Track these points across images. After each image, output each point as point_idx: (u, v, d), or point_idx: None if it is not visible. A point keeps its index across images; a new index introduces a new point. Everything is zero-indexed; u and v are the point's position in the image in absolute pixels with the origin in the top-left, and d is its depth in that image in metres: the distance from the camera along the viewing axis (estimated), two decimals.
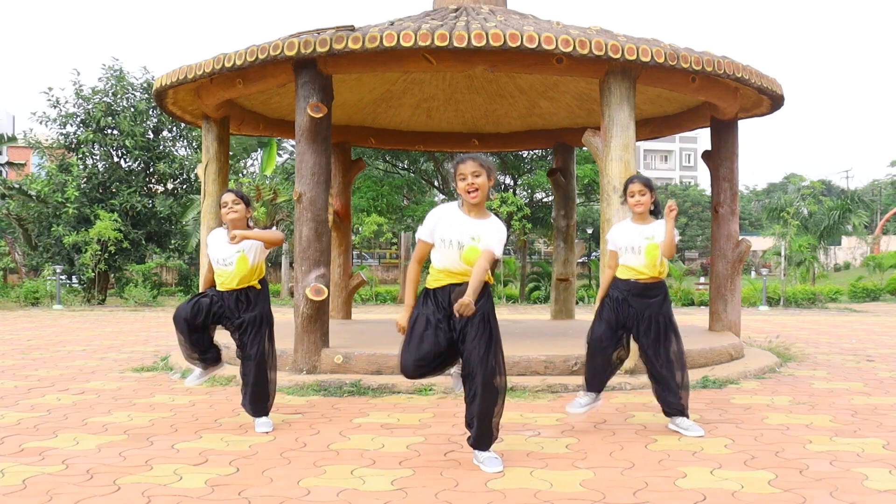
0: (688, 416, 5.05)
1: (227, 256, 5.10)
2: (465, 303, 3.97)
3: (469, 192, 4.12)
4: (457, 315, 4.04)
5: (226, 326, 5.26)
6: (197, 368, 5.46)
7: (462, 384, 4.26)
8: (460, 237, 4.12)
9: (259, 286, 5.20)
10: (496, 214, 4.39)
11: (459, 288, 4.09)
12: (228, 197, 5.16)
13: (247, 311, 5.13)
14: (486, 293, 4.17)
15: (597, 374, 5.13)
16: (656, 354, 5.01)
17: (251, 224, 5.33)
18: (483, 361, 4.08)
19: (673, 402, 5.01)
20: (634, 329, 5.07)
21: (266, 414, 5.17)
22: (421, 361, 4.18)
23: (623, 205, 5.36)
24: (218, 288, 5.19)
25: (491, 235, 4.11)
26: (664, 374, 5.00)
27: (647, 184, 5.09)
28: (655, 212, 5.17)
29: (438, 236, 4.17)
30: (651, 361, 5.06)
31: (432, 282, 4.24)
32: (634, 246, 5.04)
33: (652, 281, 5.05)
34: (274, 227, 5.52)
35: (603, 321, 5.08)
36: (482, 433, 4.17)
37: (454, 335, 4.17)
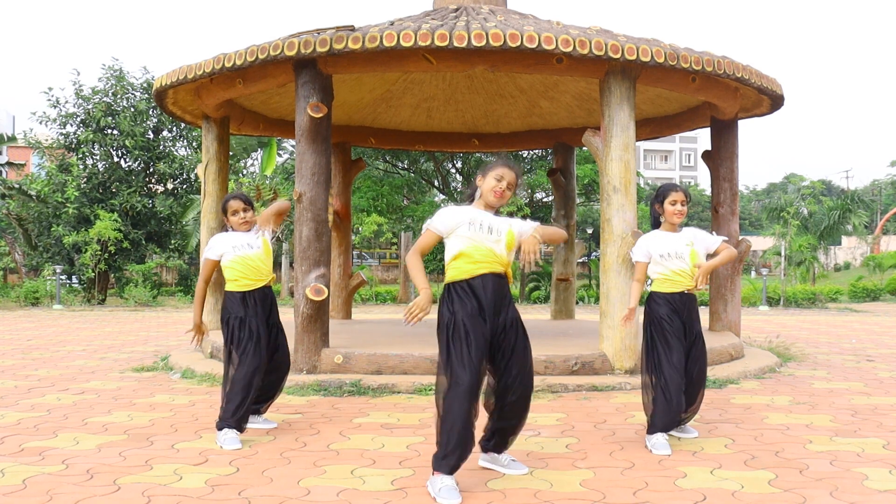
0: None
1: (251, 241, 4.96)
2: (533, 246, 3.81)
3: (496, 195, 3.91)
4: (526, 259, 3.76)
5: None
6: (232, 431, 4.73)
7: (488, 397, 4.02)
8: (497, 225, 3.88)
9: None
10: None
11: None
12: (238, 205, 4.98)
13: (273, 314, 5.11)
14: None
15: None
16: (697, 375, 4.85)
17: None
18: (529, 376, 3.94)
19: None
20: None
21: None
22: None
23: (659, 215, 4.93)
24: (241, 288, 4.91)
25: (522, 225, 3.95)
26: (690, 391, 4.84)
27: (688, 194, 4.92)
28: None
29: (470, 221, 3.86)
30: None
31: (465, 273, 3.85)
32: (675, 253, 4.77)
33: (692, 292, 4.83)
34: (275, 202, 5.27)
35: (672, 349, 4.68)
36: (512, 438, 4.09)
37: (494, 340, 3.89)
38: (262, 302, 4.97)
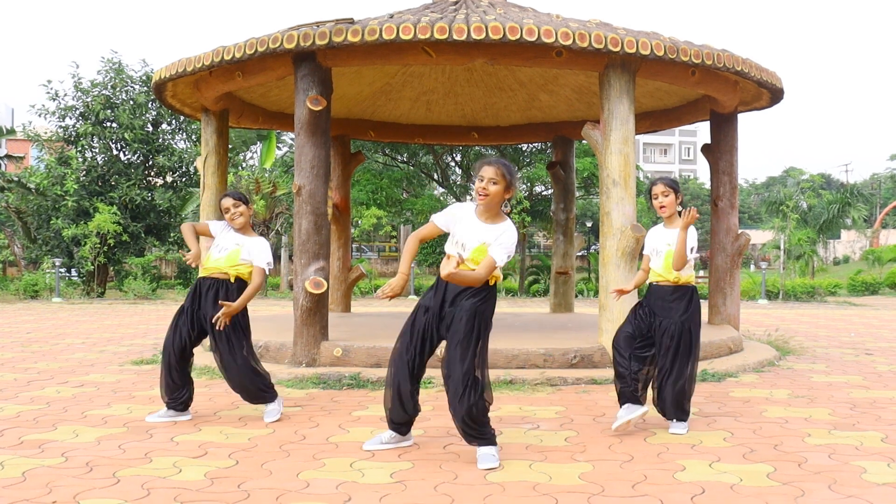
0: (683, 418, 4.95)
1: (228, 245, 5.12)
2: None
3: (479, 195, 4.16)
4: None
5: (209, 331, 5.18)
6: (163, 409, 5.21)
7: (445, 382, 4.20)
8: (468, 240, 4.14)
9: (233, 281, 5.10)
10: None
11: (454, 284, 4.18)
12: (228, 202, 5.14)
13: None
14: (485, 294, 4.15)
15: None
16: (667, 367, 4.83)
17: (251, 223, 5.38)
18: (462, 355, 4.06)
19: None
20: (656, 339, 4.87)
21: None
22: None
23: (649, 209, 5.24)
24: (201, 273, 5.19)
25: (498, 244, 4.11)
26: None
27: (671, 185, 4.88)
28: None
29: (453, 233, 4.23)
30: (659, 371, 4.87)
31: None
32: (657, 249, 4.93)
33: (671, 285, 4.85)
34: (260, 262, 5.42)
35: (623, 329, 4.96)
36: (467, 432, 4.12)
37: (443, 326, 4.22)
38: (212, 292, 5.10)
